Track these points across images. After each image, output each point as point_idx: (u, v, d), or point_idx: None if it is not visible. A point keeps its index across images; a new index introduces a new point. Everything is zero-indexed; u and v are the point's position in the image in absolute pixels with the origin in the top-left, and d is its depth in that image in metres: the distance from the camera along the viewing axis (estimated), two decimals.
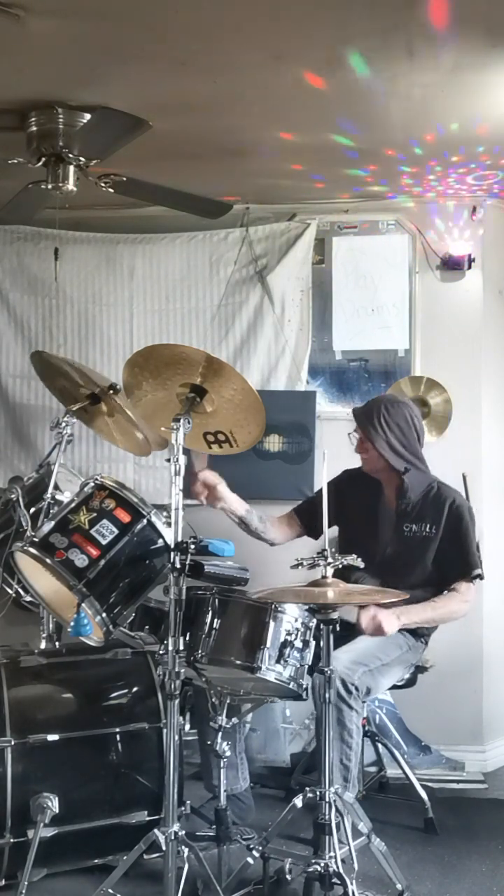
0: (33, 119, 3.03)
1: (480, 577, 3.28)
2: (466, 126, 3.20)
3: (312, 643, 2.82)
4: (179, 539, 2.57)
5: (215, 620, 2.77)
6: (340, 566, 2.62)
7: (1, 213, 3.61)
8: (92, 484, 2.79)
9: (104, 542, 2.69)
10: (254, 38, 2.55)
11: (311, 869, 2.54)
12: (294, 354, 4.20)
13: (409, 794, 3.48)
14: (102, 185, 3.31)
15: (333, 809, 2.59)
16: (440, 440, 4.08)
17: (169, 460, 2.62)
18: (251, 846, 2.73)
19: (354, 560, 2.65)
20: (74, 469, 3.96)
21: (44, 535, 2.70)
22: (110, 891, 2.65)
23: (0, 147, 3.19)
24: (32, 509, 3.21)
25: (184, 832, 2.54)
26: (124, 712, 3.02)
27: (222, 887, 2.70)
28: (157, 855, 2.76)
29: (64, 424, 3.35)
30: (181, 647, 2.55)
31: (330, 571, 2.60)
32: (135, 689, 3.09)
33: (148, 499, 2.80)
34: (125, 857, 2.67)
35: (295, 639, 2.76)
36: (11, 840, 2.73)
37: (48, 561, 2.65)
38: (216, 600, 2.79)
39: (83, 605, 2.61)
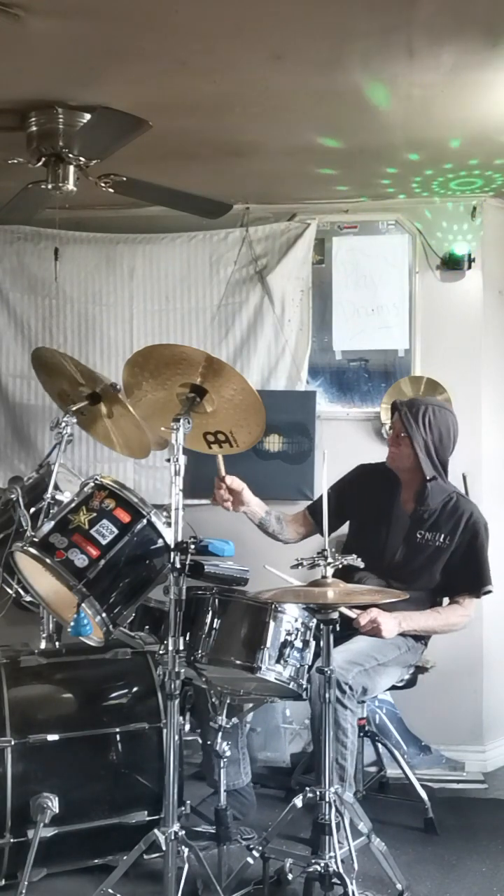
0: (33, 119, 3.03)
1: (490, 591, 3.27)
2: (466, 126, 3.20)
3: (312, 643, 2.82)
4: (179, 539, 2.57)
5: (215, 620, 2.77)
6: (340, 566, 2.62)
7: (1, 213, 3.61)
8: (92, 484, 2.79)
9: (104, 542, 2.68)
10: (254, 38, 2.55)
11: (311, 869, 2.54)
12: (294, 354, 4.20)
13: (409, 794, 3.48)
14: (102, 185, 3.31)
15: (333, 809, 2.59)
16: None
17: (169, 460, 2.62)
18: (251, 846, 2.73)
19: (354, 560, 2.64)
20: (74, 469, 3.96)
21: (44, 535, 2.70)
22: (110, 891, 2.64)
23: (0, 147, 3.20)
24: (32, 509, 3.21)
25: (184, 832, 2.54)
26: (124, 712, 3.02)
27: (222, 887, 2.70)
28: (157, 855, 2.77)
29: (64, 424, 3.35)
30: (181, 647, 2.55)
31: (330, 571, 2.60)
32: (135, 689, 3.09)
33: (148, 499, 2.79)
34: (125, 857, 2.67)
35: (295, 639, 2.76)
36: (11, 840, 2.74)
37: (48, 561, 2.65)
38: (216, 600, 2.79)
39: (83, 605, 2.61)
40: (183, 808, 2.95)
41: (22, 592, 3.15)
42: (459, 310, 4.15)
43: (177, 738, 2.55)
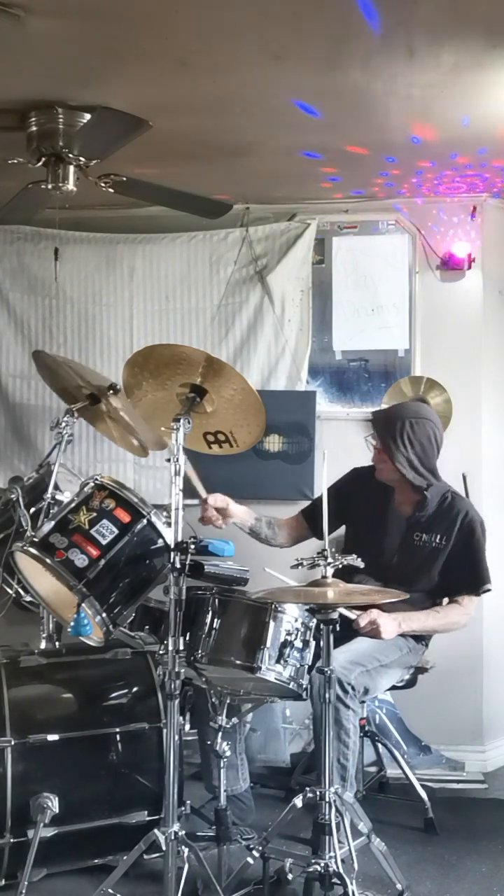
0: (33, 119, 3.03)
1: (489, 590, 3.26)
2: (466, 126, 3.20)
3: (312, 643, 2.82)
4: (179, 539, 2.57)
5: (215, 620, 2.77)
6: (340, 566, 2.62)
7: (1, 213, 3.61)
8: (92, 484, 2.79)
9: (104, 542, 2.68)
10: (254, 38, 2.55)
11: (311, 869, 2.54)
12: (294, 354, 4.20)
13: (409, 794, 3.48)
14: (102, 185, 3.31)
15: (333, 809, 2.59)
16: None
17: (169, 460, 2.62)
18: (251, 846, 2.73)
19: (354, 560, 2.64)
20: (74, 469, 3.96)
21: (44, 535, 2.70)
22: (110, 891, 2.64)
23: (0, 147, 3.20)
24: (32, 509, 3.21)
25: (184, 832, 2.54)
26: (124, 712, 3.02)
27: (222, 887, 2.70)
28: (157, 855, 2.77)
29: (64, 424, 3.34)
30: (181, 647, 2.55)
31: (330, 571, 2.60)
32: (135, 689, 3.09)
33: (148, 499, 2.79)
34: (125, 857, 2.67)
35: (295, 639, 2.76)
36: (11, 840, 2.73)
37: (48, 561, 2.65)
38: (216, 600, 2.79)
39: (83, 605, 2.61)
40: (183, 809, 2.95)
41: (22, 592, 3.15)
42: (459, 310, 4.15)
43: (177, 738, 2.55)
